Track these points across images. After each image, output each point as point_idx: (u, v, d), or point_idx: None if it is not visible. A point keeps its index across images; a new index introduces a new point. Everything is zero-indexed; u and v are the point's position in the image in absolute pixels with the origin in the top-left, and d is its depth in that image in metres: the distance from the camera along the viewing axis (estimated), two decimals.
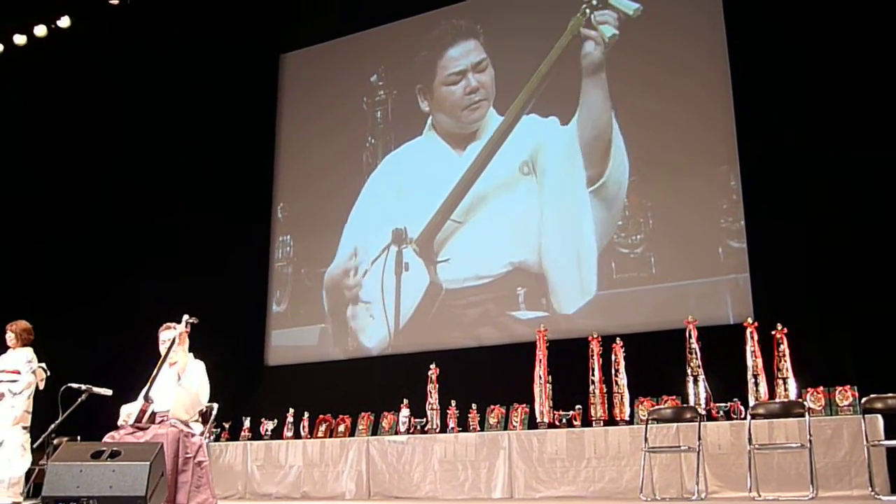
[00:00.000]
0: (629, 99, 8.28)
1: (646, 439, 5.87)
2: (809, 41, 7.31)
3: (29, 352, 6.65)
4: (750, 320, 6.35)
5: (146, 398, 5.28)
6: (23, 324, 6.76)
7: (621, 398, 6.58)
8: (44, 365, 6.66)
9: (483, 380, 7.90)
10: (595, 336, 6.85)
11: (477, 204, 8.89)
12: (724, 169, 7.73)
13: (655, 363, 6.85)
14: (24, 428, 6.44)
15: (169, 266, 9.83)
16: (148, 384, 5.35)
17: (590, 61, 8.54)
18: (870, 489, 5.23)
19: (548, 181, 8.54)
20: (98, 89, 10.63)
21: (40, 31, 10.01)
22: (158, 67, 10.30)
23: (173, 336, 5.44)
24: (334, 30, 10.30)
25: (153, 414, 5.27)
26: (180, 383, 5.27)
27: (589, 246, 8.19)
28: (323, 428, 8.04)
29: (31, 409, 6.52)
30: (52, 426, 5.50)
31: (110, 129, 10.68)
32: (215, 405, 5.73)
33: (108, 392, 5.86)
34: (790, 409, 5.67)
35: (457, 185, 9.02)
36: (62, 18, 9.98)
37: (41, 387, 6.61)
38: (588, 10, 8.58)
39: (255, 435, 8.27)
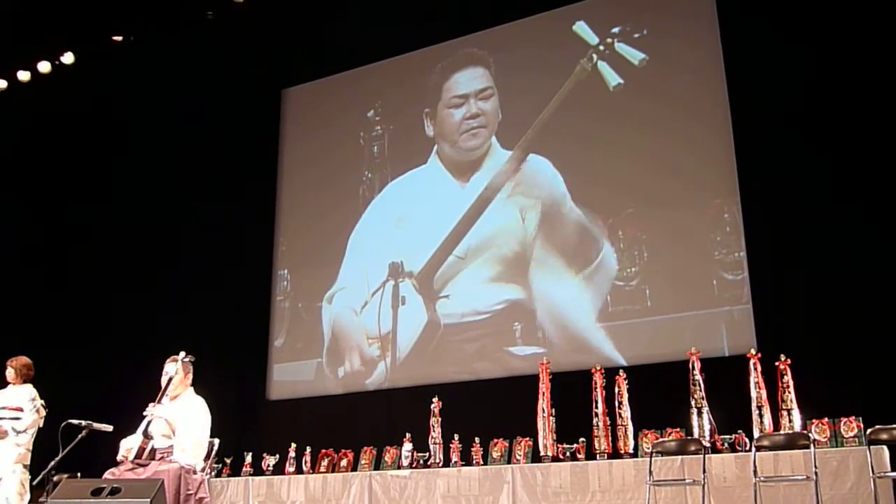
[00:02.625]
0: (629, 137, 8.31)
1: (650, 472, 5.81)
2: (810, 76, 7.36)
3: (31, 389, 6.62)
4: (753, 351, 6.32)
5: (145, 434, 5.27)
6: (23, 360, 6.74)
7: (625, 431, 6.54)
8: (42, 402, 6.63)
9: (484, 414, 7.85)
10: (598, 368, 6.82)
11: (478, 240, 8.89)
12: (717, 203, 7.77)
13: (656, 395, 6.81)
14: (25, 466, 6.41)
15: (169, 300, 9.84)
16: (147, 420, 5.33)
17: (593, 106, 8.60)
18: None
19: (546, 218, 8.55)
20: (99, 125, 10.71)
21: (44, 67, 10.11)
22: (161, 104, 10.39)
23: (172, 372, 5.44)
24: (336, 65, 10.38)
25: (153, 450, 5.25)
26: (178, 433, 5.23)
27: (584, 279, 8.21)
28: (325, 463, 7.98)
29: (31, 448, 6.48)
30: (53, 463, 5.47)
31: (111, 165, 10.74)
32: (216, 440, 5.71)
33: (109, 428, 5.83)
34: (795, 441, 5.62)
35: (459, 221, 9.02)
36: (65, 55, 10.09)
37: (41, 424, 6.58)
38: (595, 56, 8.64)
39: (257, 470, 8.20)
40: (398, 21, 9.55)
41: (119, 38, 9.98)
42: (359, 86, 10.23)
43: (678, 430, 6.37)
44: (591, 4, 8.88)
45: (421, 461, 7.34)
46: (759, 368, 6.20)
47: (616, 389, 6.67)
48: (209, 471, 5.76)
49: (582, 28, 8.81)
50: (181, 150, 10.47)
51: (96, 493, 4.51)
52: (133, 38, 10.02)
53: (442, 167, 9.41)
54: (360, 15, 9.59)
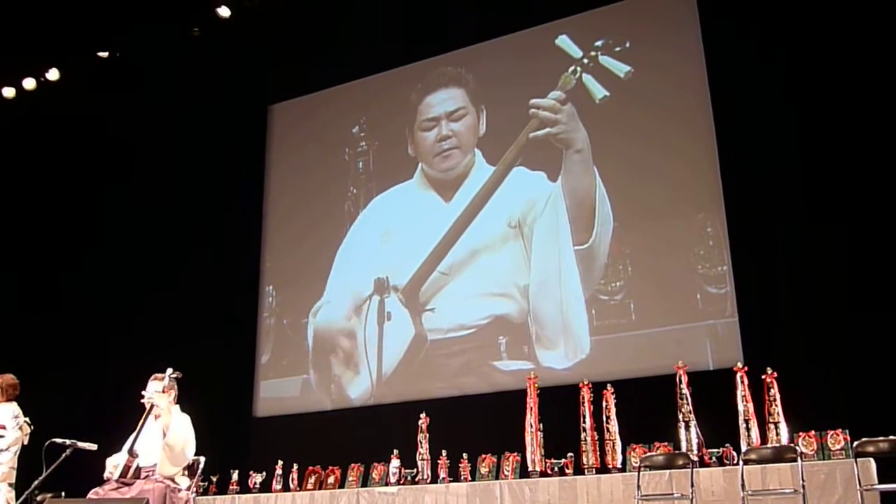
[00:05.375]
0: (614, 153, 8.36)
1: (639, 487, 5.81)
2: (796, 91, 7.41)
3: (14, 407, 6.56)
4: (739, 364, 6.34)
5: (131, 452, 5.22)
6: (9, 378, 6.68)
7: (613, 445, 6.54)
8: (27, 419, 6.57)
9: (472, 429, 7.84)
10: (586, 383, 6.82)
11: (463, 255, 8.89)
12: (701, 217, 7.81)
13: (644, 410, 6.82)
14: (10, 485, 6.34)
15: (155, 317, 9.78)
16: (132, 438, 5.29)
17: (578, 118, 8.62)
18: None
19: (534, 233, 8.56)
20: (83, 143, 10.67)
21: (29, 83, 10.07)
22: (147, 120, 10.36)
23: (157, 389, 5.40)
24: (322, 81, 10.40)
25: (138, 469, 5.21)
26: (165, 440, 5.21)
27: (570, 293, 8.22)
28: (312, 480, 7.93)
29: (16, 466, 6.42)
30: (36, 482, 5.40)
31: (96, 181, 10.70)
32: (202, 458, 5.66)
33: (93, 447, 5.76)
34: (782, 455, 5.63)
35: (444, 236, 9.03)
36: (51, 71, 10.05)
37: (25, 442, 6.51)
38: (579, 69, 8.70)
39: (244, 488, 8.14)
40: (383, 37, 9.58)
41: (104, 54, 9.95)
42: (344, 102, 10.26)
43: (666, 444, 6.37)
44: (573, 19, 8.94)
45: (409, 477, 7.30)
46: (745, 382, 6.21)
47: (603, 404, 6.68)
48: (195, 489, 5.70)
49: (565, 42, 8.88)
50: (168, 166, 10.44)
51: None
52: (118, 54, 10.00)
53: (427, 183, 9.43)
54: (346, 31, 9.61)
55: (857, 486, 5.28)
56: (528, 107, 8.88)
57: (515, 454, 6.92)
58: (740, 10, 7.84)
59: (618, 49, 8.54)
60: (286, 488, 7.94)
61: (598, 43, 8.66)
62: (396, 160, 9.67)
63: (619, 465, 6.47)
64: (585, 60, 8.69)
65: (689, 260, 7.78)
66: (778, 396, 6.06)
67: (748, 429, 6.07)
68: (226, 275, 10.01)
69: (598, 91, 8.56)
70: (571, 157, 8.55)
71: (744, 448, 5.92)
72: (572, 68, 8.74)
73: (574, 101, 8.69)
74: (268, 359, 9.91)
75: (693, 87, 8.09)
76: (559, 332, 8.20)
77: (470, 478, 7.04)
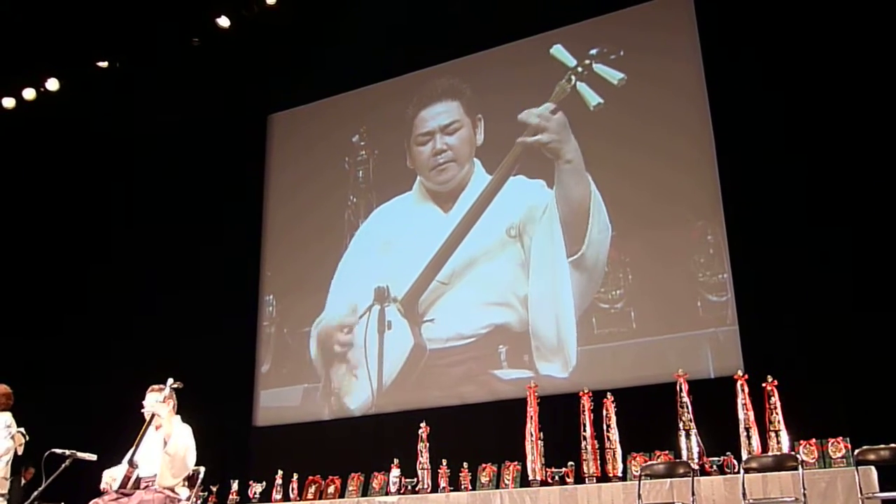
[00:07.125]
0: (612, 160, 8.38)
1: (639, 496, 5.79)
2: (795, 96, 7.43)
3: (8, 416, 6.53)
4: (740, 373, 6.33)
5: (131, 463, 5.21)
6: (2, 388, 6.66)
7: (613, 454, 6.52)
8: (22, 430, 6.54)
9: (472, 438, 7.82)
10: (586, 391, 6.81)
11: (462, 264, 8.90)
12: (701, 224, 7.82)
13: (644, 418, 6.81)
14: (1, 495, 6.31)
15: (155, 326, 9.77)
16: (133, 448, 5.27)
17: (570, 128, 8.65)
18: None
19: (533, 242, 8.57)
20: (87, 153, 10.69)
21: (29, 94, 10.08)
22: (147, 130, 10.37)
23: (157, 400, 5.38)
24: (322, 90, 10.41)
25: (138, 479, 5.18)
26: (166, 449, 5.19)
27: (570, 302, 8.21)
28: (312, 489, 7.91)
29: (8, 476, 6.38)
30: (36, 493, 5.38)
31: (97, 195, 10.70)
32: (202, 468, 5.64)
33: (93, 457, 5.74)
34: (783, 463, 5.61)
35: (442, 246, 9.04)
36: (50, 81, 10.05)
37: (20, 452, 6.49)
38: (573, 78, 8.73)
39: (244, 498, 8.13)
40: (383, 47, 9.60)
41: (104, 64, 9.97)
42: (343, 111, 10.28)
43: (667, 452, 6.36)
44: (567, 29, 8.98)
45: (409, 487, 7.29)
46: (746, 390, 6.20)
47: (604, 412, 6.66)
48: (195, 499, 5.68)
49: (559, 51, 8.92)
50: (167, 175, 10.46)
51: None
52: (118, 64, 10.01)
53: (426, 195, 9.45)
54: (345, 40, 9.63)
55: (859, 494, 5.26)
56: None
57: (516, 463, 6.91)
58: (739, 17, 7.85)
59: (612, 57, 8.57)
60: (286, 498, 7.92)
61: (593, 52, 8.69)
62: (396, 170, 9.68)
63: (620, 474, 6.46)
64: (580, 69, 8.72)
65: (690, 268, 7.79)
66: (779, 404, 6.05)
67: (749, 437, 6.06)
68: (226, 284, 10.00)
69: (592, 98, 8.59)
70: (562, 167, 8.59)
71: (745, 456, 5.91)
72: (567, 76, 8.77)
73: (569, 110, 8.72)
74: (268, 368, 9.89)
75: (691, 94, 8.11)
76: (558, 340, 8.20)
77: (470, 487, 7.03)
